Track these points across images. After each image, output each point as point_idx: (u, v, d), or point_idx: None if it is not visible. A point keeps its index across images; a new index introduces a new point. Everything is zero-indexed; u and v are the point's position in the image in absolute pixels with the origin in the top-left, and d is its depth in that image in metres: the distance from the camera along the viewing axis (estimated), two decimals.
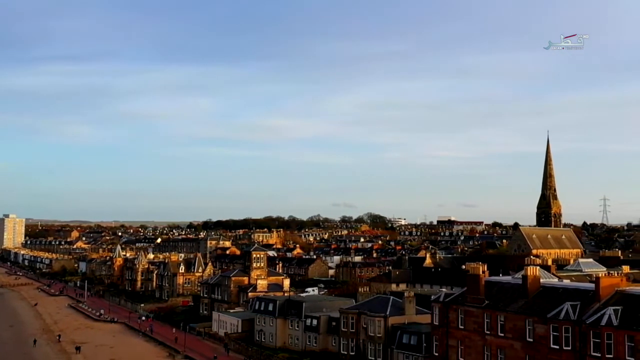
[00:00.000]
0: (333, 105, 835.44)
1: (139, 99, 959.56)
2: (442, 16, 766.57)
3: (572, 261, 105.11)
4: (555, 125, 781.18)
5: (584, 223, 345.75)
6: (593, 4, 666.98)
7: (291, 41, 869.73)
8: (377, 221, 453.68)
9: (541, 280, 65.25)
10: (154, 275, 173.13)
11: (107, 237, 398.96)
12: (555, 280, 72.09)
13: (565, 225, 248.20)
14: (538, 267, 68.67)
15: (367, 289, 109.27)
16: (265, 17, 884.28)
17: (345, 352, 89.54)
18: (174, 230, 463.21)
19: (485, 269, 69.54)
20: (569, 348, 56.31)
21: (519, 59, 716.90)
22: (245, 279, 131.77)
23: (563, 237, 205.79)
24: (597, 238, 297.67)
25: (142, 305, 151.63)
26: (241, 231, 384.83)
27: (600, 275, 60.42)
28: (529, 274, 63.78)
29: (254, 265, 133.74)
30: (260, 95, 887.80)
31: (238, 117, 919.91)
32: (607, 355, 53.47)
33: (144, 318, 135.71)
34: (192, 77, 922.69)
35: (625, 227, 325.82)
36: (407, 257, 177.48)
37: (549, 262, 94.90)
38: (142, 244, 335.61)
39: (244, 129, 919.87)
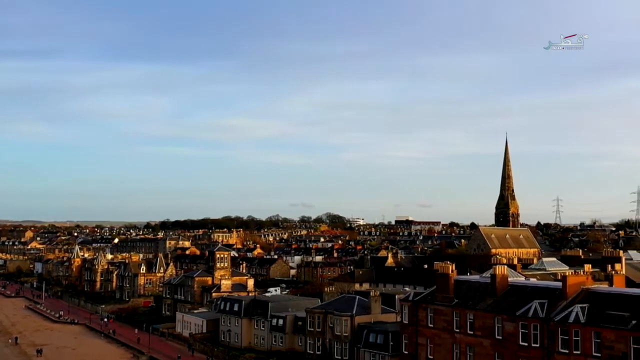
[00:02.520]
0: (290, 105, 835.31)
1: (94, 97, 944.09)
2: (399, 18, 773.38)
3: (535, 260, 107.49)
4: (508, 127, 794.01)
5: (538, 223, 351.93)
6: (547, 7, 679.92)
7: (247, 41, 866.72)
8: (336, 221, 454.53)
9: (509, 279, 66.55)
10: (114, 275, 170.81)
11: (63, 237, 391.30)
12: (522, 279, 73.63)
13: (521, 225, 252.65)
14: (506, 266, 70.05)
15: (333, 288, 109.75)
16: (220, 17, 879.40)
17: (312, 352, 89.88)
18: (131, 231, 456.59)
19: (454, 268, 70.56)
20: (538, 345, 57.62)
21: (476, 60, 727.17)
22: (209, 279, 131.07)
23: (521, 236, 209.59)
24: (552, 238, 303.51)
25: (103, 306, 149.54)
26: (200, 231, 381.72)
27: (567, 273, 61.82)
28: (497, 272, 64.97)
29: (218, 265, 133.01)
30: (217, 95, 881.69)
31: (194, 117, 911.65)
32: (574, 352, 54.85)
33: (105, 319, 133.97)
34: (148, 76, 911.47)
35: (579, 227, 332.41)
36: (369, 257, 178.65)
37: (515, 261, 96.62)
38: (98, 244, 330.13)
39: (200, 128, 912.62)
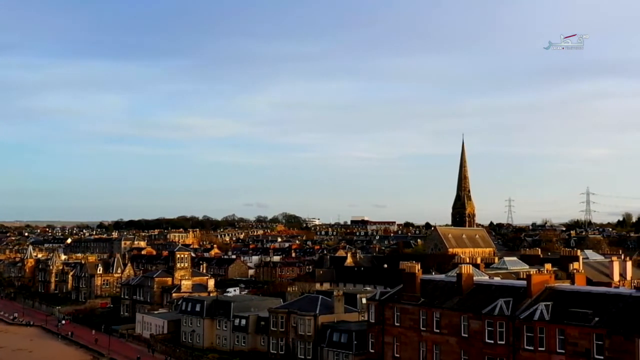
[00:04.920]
0: (246, 104, 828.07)
1: (44, 94, 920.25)
2: (356, 18, 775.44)
3: (497, 260, 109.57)
4: (462, 129, 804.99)
5: (491, 223, 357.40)
6: (501, 10, 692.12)
7: (203, 40, 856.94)
8: (292, 221, 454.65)
9: (474, 278, 67.77)
10: (69, 276, 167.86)
11: (13, 238, 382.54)
12: (486, 278, 75.04)
13: (476, 225, 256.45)
14: (471, 266, 71.30)
15: (295, 288, 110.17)
16: (175, 14, 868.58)
17: (275, 352, 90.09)
18: (84, 230, 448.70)
19: (420, 267, 71.52)
20: (503, 342, 58.91)
21: (430, 62, 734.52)
22: (169, 279, 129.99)
23: (477, 236, 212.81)
24: (505, 237, 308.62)
25: (59, 307, 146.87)
26: (156, 231, 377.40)
27: (531, 272, 63.25)
28: (463, 272, 66.17)
29: (178, 265, 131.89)
30: (172, 93, 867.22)
31: (149, 115, 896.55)
32: (539, 349, 56.26)
33: (63, 322, 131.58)
34: (100, 73, 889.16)
35: (530, 227, 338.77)
36: (328, 257, 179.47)
37: (478, 261, 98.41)
38: (50, 245, 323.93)
39: (154, 127, 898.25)
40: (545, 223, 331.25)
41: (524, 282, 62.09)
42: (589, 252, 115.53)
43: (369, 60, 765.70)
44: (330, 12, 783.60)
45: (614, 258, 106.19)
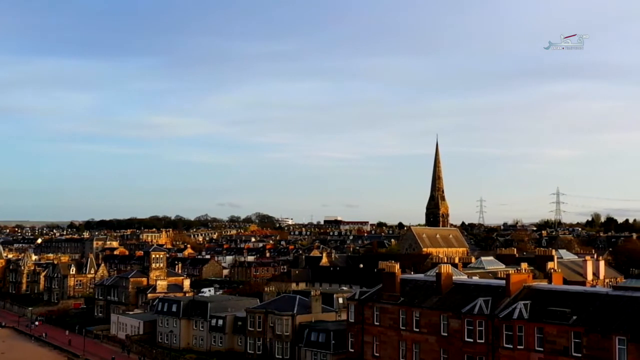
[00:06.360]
0: (217, 104, 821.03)
1: (10, 91, 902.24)
2: (328, 18, 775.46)
3: (473, 259, 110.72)
4: (432, 129, 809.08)
5: (463, 223, 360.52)
6: (471, 12, 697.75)
7: (173, 38, 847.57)
8: (266, 221, 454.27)
9: (453, 277, 68.42)
10: (41, 277, 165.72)
11: None
12: (465, 277, 75.76)
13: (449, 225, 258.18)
14: (450, 265, 71.97)
15: (273, 288, 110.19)
16: (146, 13, 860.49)
17: (252, 352, 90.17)
18: (54, 230, 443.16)
19: (399, 267, 71.98)
20: (482, 341, 59.64)
21: (404, 62, 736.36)
22: (144, 279, 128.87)
23: (450, 236, 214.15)
24: (477, 237, 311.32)
25: (31, 308, 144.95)
26: (128, 231, 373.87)
27: (510, 272, 64.11)
28: (442, 271, 66.78)
29: (154, 265, 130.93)
30: (142, 92, 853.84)
31: (118, 114, 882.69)
32: (518, 347, 57.08)
33: (37, 323, 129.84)
34: (68, 71, 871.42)
35: (502, 227, 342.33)
36: (304, 257, 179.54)
37: (456, 260, 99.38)
38: (20, 245, 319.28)
39: (125, 126, 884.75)
40: (517, 223, 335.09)
41: (503, 282, 62.92)
42: (563, 252, 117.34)
43: (341, 60, 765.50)
44: (302, 12, 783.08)
45: (588, 257, 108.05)
